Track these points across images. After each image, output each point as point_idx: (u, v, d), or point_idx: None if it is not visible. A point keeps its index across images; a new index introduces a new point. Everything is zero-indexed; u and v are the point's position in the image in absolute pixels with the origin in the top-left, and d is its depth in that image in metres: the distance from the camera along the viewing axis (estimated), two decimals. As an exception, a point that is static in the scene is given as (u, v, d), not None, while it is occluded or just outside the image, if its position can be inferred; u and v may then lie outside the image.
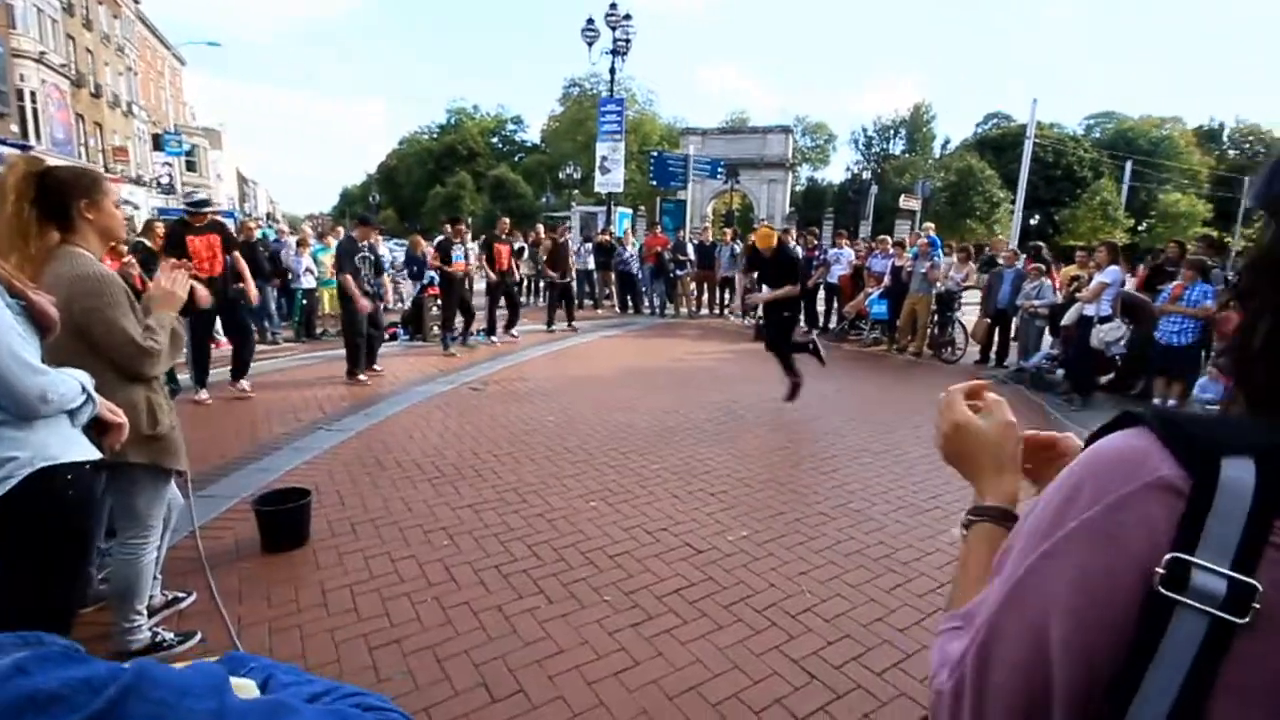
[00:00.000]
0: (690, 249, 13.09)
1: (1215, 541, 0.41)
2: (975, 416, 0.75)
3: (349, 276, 6.57)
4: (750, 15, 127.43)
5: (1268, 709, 0.40)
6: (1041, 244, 9.42)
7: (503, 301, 9.53)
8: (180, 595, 2.75)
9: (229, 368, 6.17)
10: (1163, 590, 0.42)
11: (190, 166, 38.02)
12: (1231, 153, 44.52)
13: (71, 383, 1.65)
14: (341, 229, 13.16)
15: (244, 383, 6.11)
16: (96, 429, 1.77)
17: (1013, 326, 8.71)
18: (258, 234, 10.75)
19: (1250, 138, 44.39)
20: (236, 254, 5.83)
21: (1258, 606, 0.40)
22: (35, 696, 0.25)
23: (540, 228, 14.60)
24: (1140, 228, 37.31)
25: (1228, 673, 0.40)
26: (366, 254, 6.79)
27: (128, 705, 0.26)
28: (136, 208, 25.79)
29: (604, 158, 17.42)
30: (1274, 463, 0.42)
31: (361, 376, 6.78)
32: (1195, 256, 6.85)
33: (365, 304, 6.66)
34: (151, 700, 0.27)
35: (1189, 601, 0.41)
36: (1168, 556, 0.42)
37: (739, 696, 2.31)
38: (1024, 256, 9.17)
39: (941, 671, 0.55)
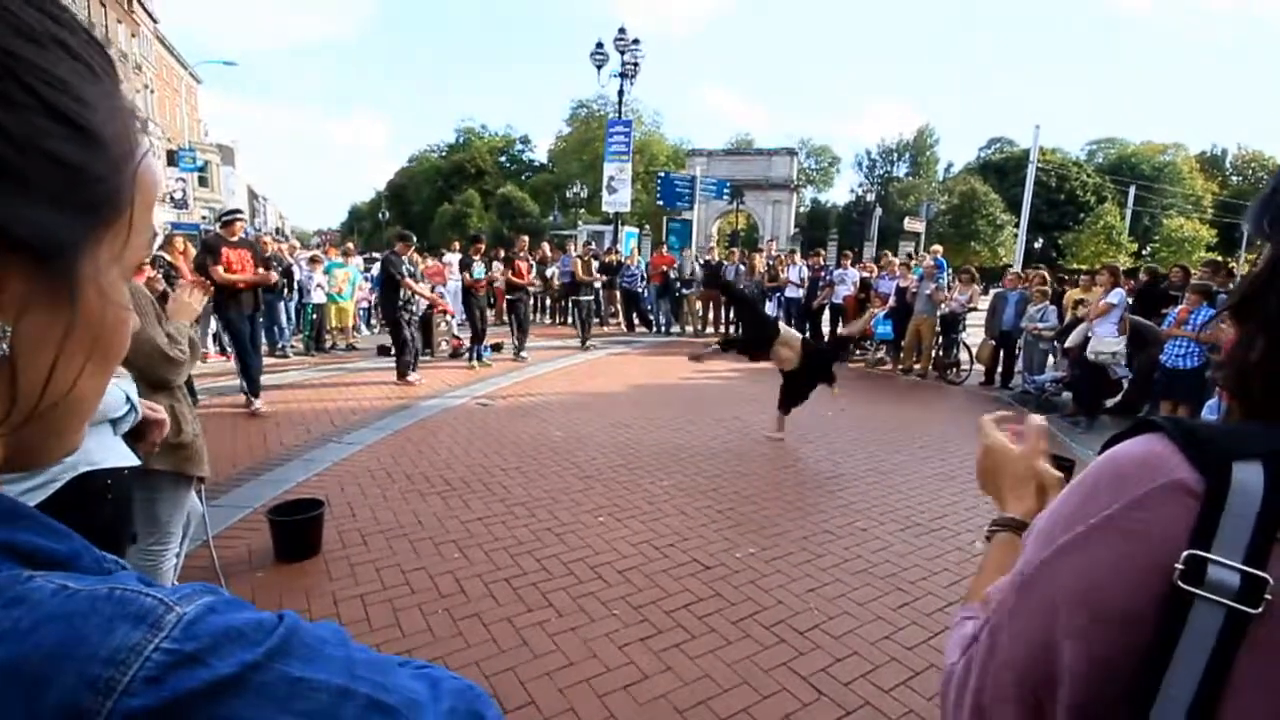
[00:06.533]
0: (697, 268, 13.20)
1: (1229, 539, 0.44)
2: (1004, 439, 0.85)
3: (409, 280, 7.34)
4: (754, 39, 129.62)
5: None
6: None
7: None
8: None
9: (236, 379, 6.27)
10: (1181, 584, 0.45)
11: (203, 182, 38.51)
12: (1234, 179, 44.83)
13: (116, 392, 1.71)
14: (351, 244, 13.35)
15: (258, 402, 6.15)
16: (135, 432, 1.83)
17: (1017, 348, 8.75)
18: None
19: (1252, 164, 44.70)
20: (262, 270, 6.07)
21: (1269, 598, 0.43)
22: (229, 631, 0.30)
23: (546, 246, 14.75)
24: (1144, 252, 37.43)
25: (1245, 663, 0.43)
26: (409, 266, 7.43)
27: (291, 644, 0.31)
28: (148, 222, 26.10)
29: (611, 178, 17.64)
30: None
31: (411, 377, 7.28)
32: (1200, 281, 6.90)
33: (422, 289, 7.70)
34: (306, 643, 0.32)
35: (1206, 594, 0.44)
36: (1186, 553, 0.45)
37: (748, 711, 2.32)
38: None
39: (954, 650, 0.59)
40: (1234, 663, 0.43)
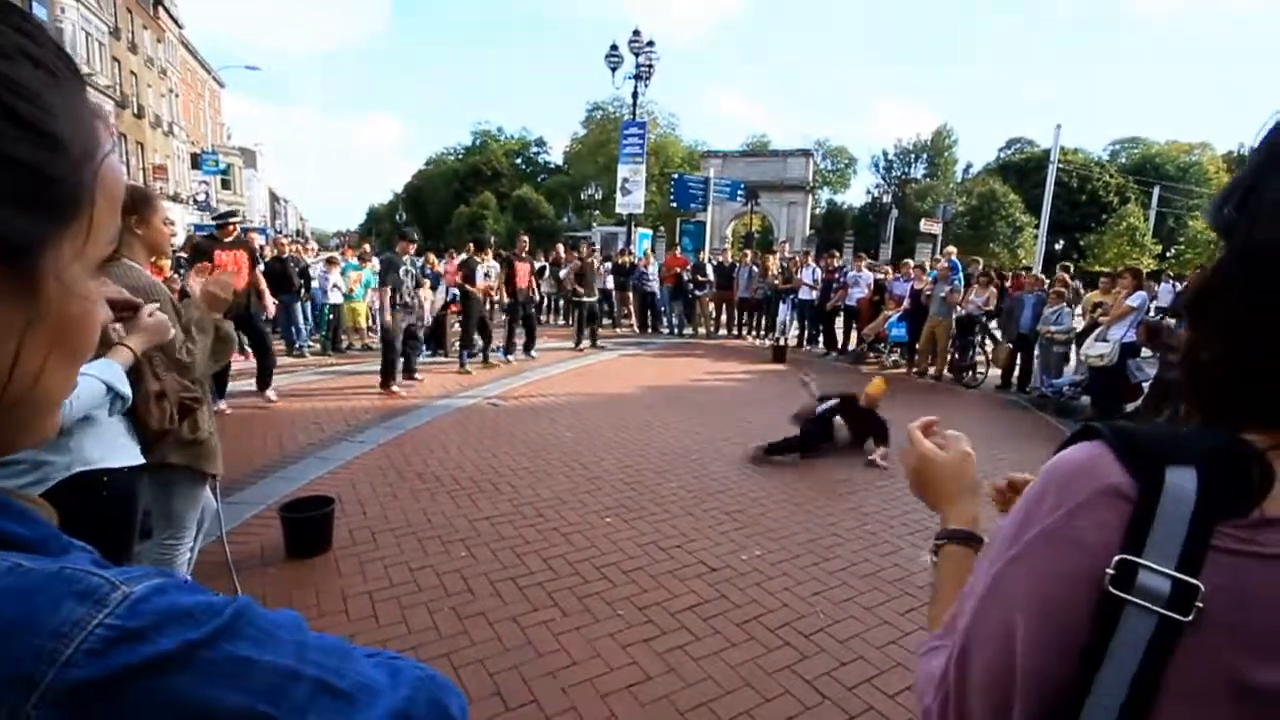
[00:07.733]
0: (710, 270, 13.19)
1: (1160, 544, 0.44)
2: (937, 449, 0.84)
3: (386, 290, 6.91)
4: (766, 40, 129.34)
5: (1217, 710, 0.42)
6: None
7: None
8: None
9: (253, 380, 6.44)
10: (1112, 590, 0.44)
11: (225, 185, 39.30)
12: (1263, 179, 43.79)
13: (92, 385, 1.59)
14: (369, 246, 13.50)
15: (270, 392, 6.34)
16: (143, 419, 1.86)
17: (1035, 352, 8.62)
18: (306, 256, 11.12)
19: (1283, 164, 43.60)
20: (257, 271, 6.14)
21: (1201, 606, 0.42)
22: (174, 611, 0.32)
23: (560, 247, 14.79)
24: (1169, 254, 36.70)
25: (1176, 671, 0.42)
26: (408, 267, 7.20)
27: (239, 626, 0.33)
28: (172, 223, 26.73)
29: (625, 179, 17.68)
30: (1214, 471, 0.44)
31: (394, 387, 7.01)
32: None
33: (389, 320, 6.91)
34: (256, 626, 0.34)
35: (1136, 600, 0.43)
36: (1116, 558, 0.45)
37: (751, 714, 2.32)
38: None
39: (928, 690, 0.57)
40: (1165, 670, 0.43)
